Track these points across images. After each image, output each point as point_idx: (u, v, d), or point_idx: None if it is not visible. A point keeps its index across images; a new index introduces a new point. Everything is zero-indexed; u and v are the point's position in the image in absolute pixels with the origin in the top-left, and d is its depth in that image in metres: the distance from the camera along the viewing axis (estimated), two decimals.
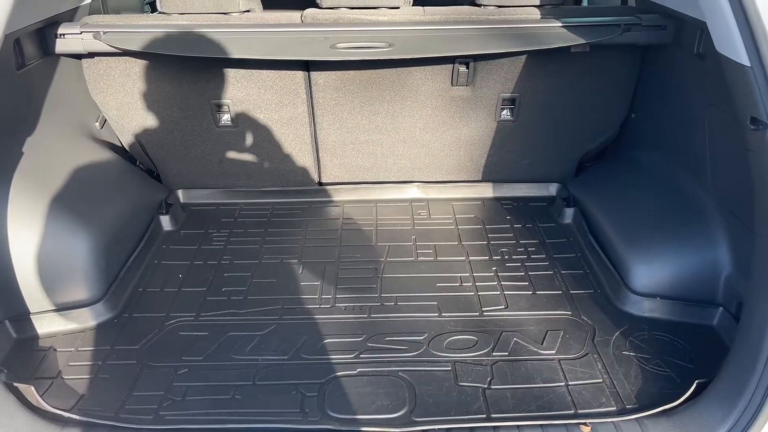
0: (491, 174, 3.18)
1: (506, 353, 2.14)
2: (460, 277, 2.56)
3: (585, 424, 1.83)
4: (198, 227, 2.95)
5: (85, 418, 1.85)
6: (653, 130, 2.84)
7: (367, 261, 2.67)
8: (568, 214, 2.95)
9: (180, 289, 2.51)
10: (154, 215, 2.91)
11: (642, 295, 2.34)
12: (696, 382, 1.91)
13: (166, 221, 2.93)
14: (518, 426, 1.82)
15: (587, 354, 2.14)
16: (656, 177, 2.71)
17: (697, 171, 2.43)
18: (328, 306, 2.39)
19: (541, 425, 1.82)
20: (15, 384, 1.90)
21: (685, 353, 2.13)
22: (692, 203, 2.42)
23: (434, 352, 2.14)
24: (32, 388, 1.90)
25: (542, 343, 2.18)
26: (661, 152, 2.75)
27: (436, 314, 2.34)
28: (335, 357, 2.12)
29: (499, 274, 2.57)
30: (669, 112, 2.69)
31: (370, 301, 2.41)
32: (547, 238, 2.82)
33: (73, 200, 2.41)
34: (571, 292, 2.46)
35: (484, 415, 1.89)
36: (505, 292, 2.46)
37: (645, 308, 2.33)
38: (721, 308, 2.24)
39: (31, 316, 2.25)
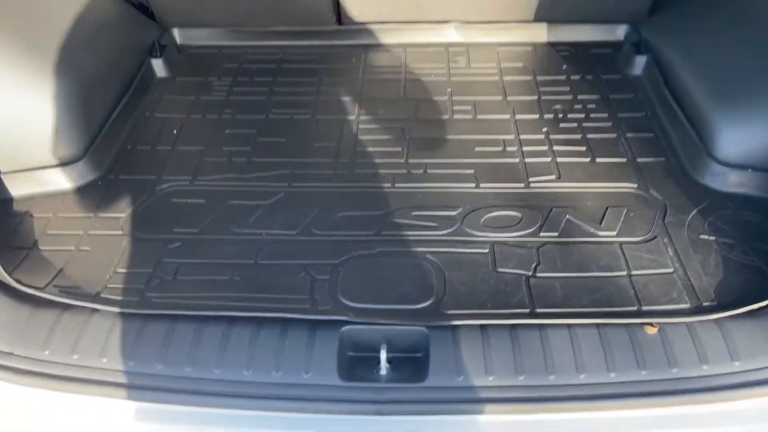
0: (545, 12, 2.73)
1: (556, 234, 1.87)
2: (504, 140, 2.25)
3: (651, 324, 1.52)
4: (196, 74, 2.68)
5: (60, 299, 1.62)
6: None
7: (393, 119, 2.39)
8: (639, 64, 2.56)
9: (174, 147, 2.27)
10: (145, 58, 2.63)
11: (728, 165, 2.00)
12: None
13: (159, 66, 2.65)
14: (568, 324, 1.54)
15: (656, 237, 1.84)
16: (757, 18, 2.25)
17: None
18: (345, 172, 2.14)
19: (596, 324, 1.53)
20: None
21: None
22: None
23: (469, 231, 1.89)
24: None
25: (600, 223, 1.90)
26: None
27: (473, 185, 2.07)
28: (352, 234, 1.89)
29: (550, 136, 2.26)
30: None
31: (395, 167, 2.15)
32: (611, 93, 2.47)
33: (44, 41, 2.13)
34: (639, 160, 2.14)
35: (527, 310, 1.63)
36: (558, 159, 2.15)
37: (731, 182, 1.99)
38: None
39: (2, 176, 2.01)
